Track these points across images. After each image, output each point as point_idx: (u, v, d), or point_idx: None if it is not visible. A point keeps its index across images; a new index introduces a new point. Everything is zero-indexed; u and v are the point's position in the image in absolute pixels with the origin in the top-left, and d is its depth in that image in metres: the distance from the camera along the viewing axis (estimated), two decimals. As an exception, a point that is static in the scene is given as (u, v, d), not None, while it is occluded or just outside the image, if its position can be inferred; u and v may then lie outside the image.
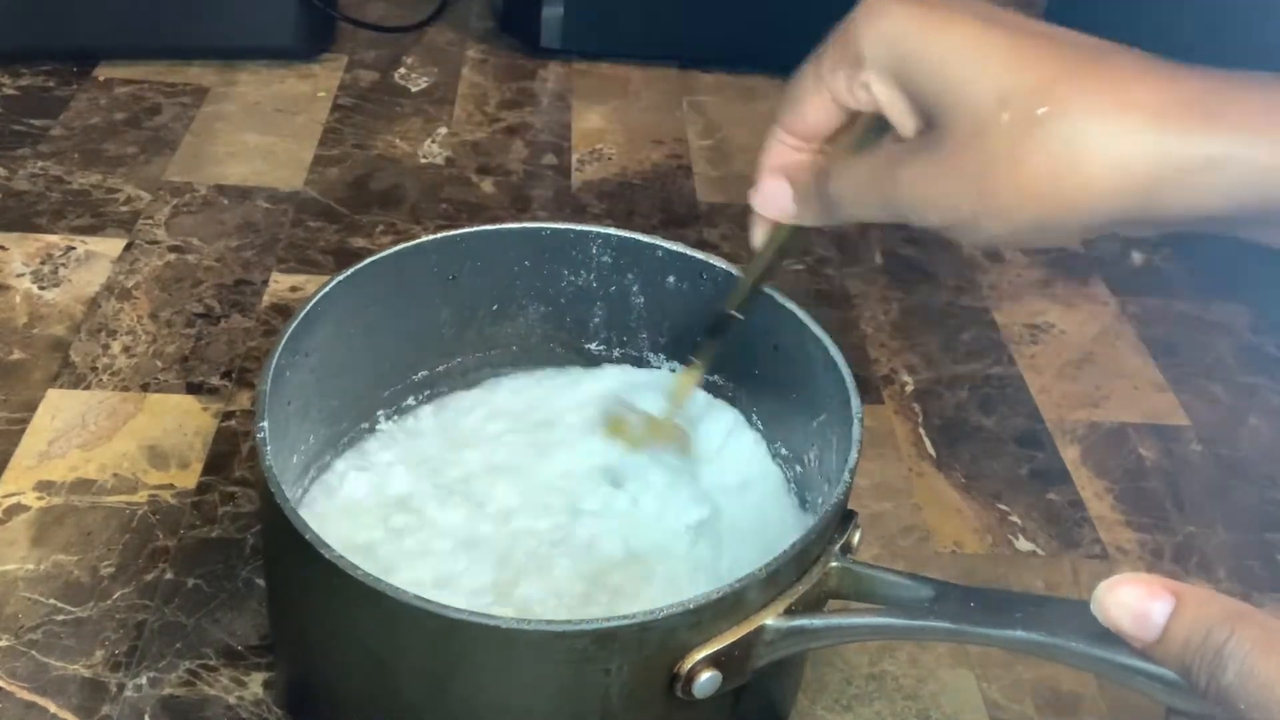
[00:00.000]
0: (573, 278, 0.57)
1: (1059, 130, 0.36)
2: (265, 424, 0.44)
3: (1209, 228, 0.38)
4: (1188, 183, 0.36)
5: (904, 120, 0.41)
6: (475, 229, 0.55)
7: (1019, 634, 0.38)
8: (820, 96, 0.43)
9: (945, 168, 0.39)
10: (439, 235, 0.54)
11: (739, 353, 0.55)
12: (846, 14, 0.42)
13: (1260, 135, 0.36)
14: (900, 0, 0.40)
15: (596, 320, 0.59)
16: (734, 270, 0.54)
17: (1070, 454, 0.69)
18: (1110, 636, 0.34)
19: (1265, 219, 0.37)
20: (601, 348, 0.59)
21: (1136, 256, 0.87)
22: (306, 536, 0.40)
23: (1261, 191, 0.36)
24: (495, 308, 0.58)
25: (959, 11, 0.39)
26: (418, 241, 0.54)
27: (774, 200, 0.46)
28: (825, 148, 0.45)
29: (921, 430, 0.70)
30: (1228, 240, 0.93)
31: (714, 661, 0.41)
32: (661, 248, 0.55)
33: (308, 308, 0.49)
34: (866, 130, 0.44)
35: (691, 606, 0.39)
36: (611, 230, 0.56)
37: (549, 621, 0.39)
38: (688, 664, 0.40)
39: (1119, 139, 0.36)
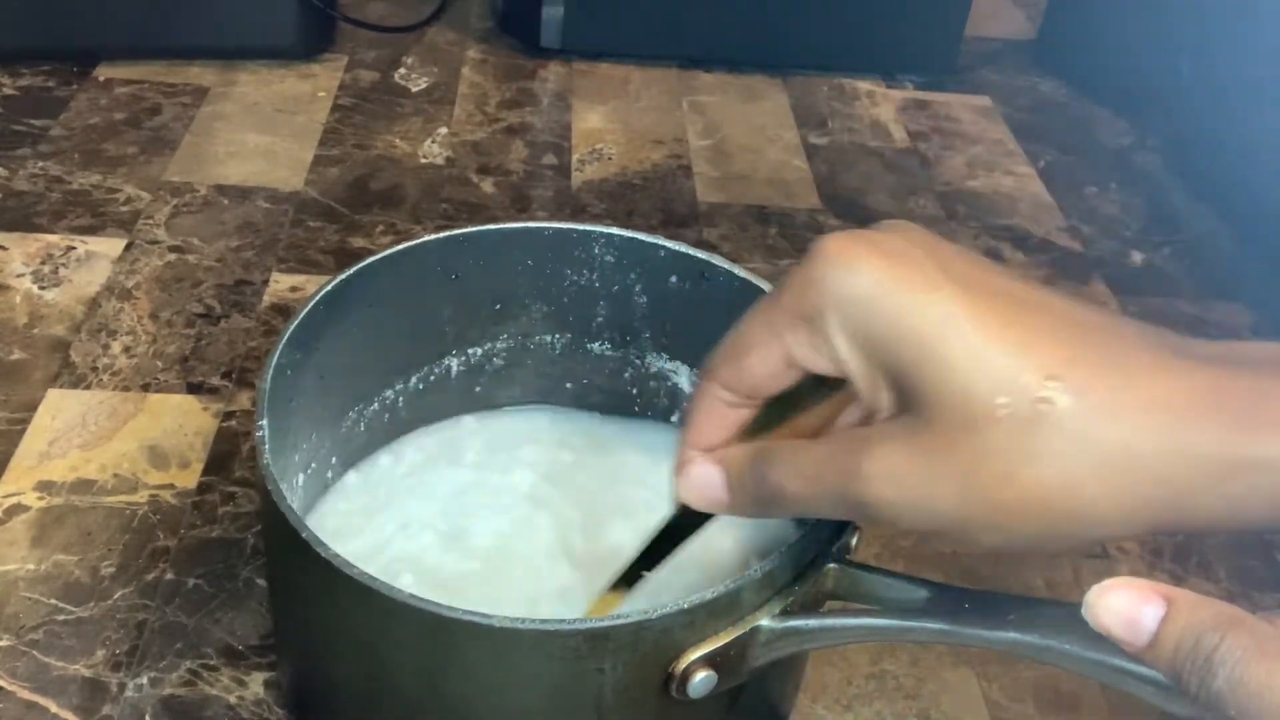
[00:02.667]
0: (575, 277, 0.57)
1: (1067, 428, 0.31)
2: (265, 422, 0.44)
3: (1260, 531, 0.34)
4: (1226, 491, 0.31)
5: (875, 396, 0.35)
6: (478, 228, 0.55)
7: (1012, 635, 0.38)
8: (770, 352, 0.36)
9: (927, 462, 0.33)
10: (441, 235, 0.54)
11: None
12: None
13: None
14: (867, 251, 0.34)
15: (599, 320, 0.59)
16: (735, 270, 0.53)
17: (1070, 454, 0.69)
18: (1103, 639, 0.34)
19: None
20: (605, 347, 0.59)
21: (1136, 256, 0.87)
22: (303, 535, 0.40)
23: None
24: (498, 307, 0.58)
25: (937, 271, 0.33)
26: (420, 240, 0.54)
27: (702, 489, 0.39)
28: (762, 437, 0.38)
29: (921, 430, 0.70)
30: (1228, 240, 0.93)
31: (709, 662, 0.41)
32: (664, 247, 0.55)
33: (309, 306, 0.49)
34: (818, 405, 0.38)
35: (686, 606, 0.39)
36: (614, 230, 0.56)
37: (542, 620, 0.39)
38: (682, 664, 0.40)
39: (1139, 439, 0.31)
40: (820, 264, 0.34)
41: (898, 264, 0.34)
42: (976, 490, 0.32)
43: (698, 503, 0.40)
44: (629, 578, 0.43)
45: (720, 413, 0.39)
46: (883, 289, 0.33)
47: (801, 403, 0.38)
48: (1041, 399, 0.31)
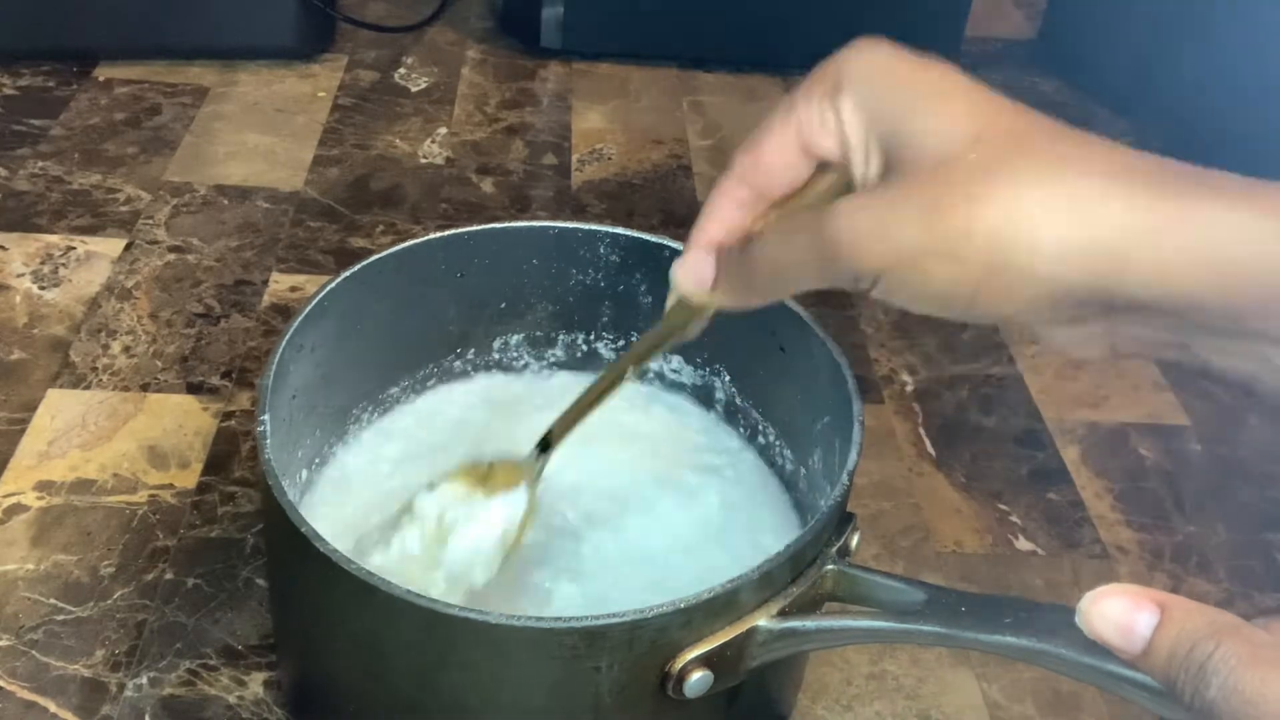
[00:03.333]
0: (580, 276, 0.57)
1: (1025, 175, 0.33)
2: (266, 417, 0.44)
3: (1181, 311, 0.33)
4: (1159, 244, 0.32)
5: (863, 163, 0.37)
6: (484, 227, 0.55)
7: (1008, 639, 0.38)
8: (785, 134, 0.38)
9: (891, 200, 0.35)
10: (447, 233, 0.54)
11: (748, 357, 0.55)
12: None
13: (1245, 205, 0.32)
14: (890, 45, 0.38)
15: (604, 319, 0.59)
16: None
17: (1070, 454, 0.69)
18: (1098, 644, 0.34)
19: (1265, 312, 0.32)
20: (609, 348, 0.60)
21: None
22: (303, 530, 0.40)
23: (1253, 269, 0.32)
24: (503, 306, 0.58)
25: (946, 66, 0.37)
26: (426, 239, 0.54)
27: (693, 271, 0.41)
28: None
29: (921, 430, 0.70)
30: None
31: (705, 661, 0.41)
32: (669, 247, 0.55)
33: (313, 303, 0.49)
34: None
35: (682, 606, 0.39)
36: (619, 230, 0.56)
37: (538, 618, 0.39)
38: (679, 663, 0.40)
39: (1089, 195, 0.33)
40: (845, 50, 0.38)
41: (910, 53, 0.37)
42: (937, 217, 0.34)
43: (691, 288, 0.41)
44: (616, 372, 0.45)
45: (728, 211, 0.40)
46: (895, 64, 0.37)
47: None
48: (1008, 151, 0.34)
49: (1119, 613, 0.33)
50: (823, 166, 0.39)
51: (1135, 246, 0.32)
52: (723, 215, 0.40)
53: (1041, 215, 0.33)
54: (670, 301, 0.42)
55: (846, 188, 0.38)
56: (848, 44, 0.39)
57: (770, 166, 0.39)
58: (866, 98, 0.37)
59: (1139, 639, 0.33)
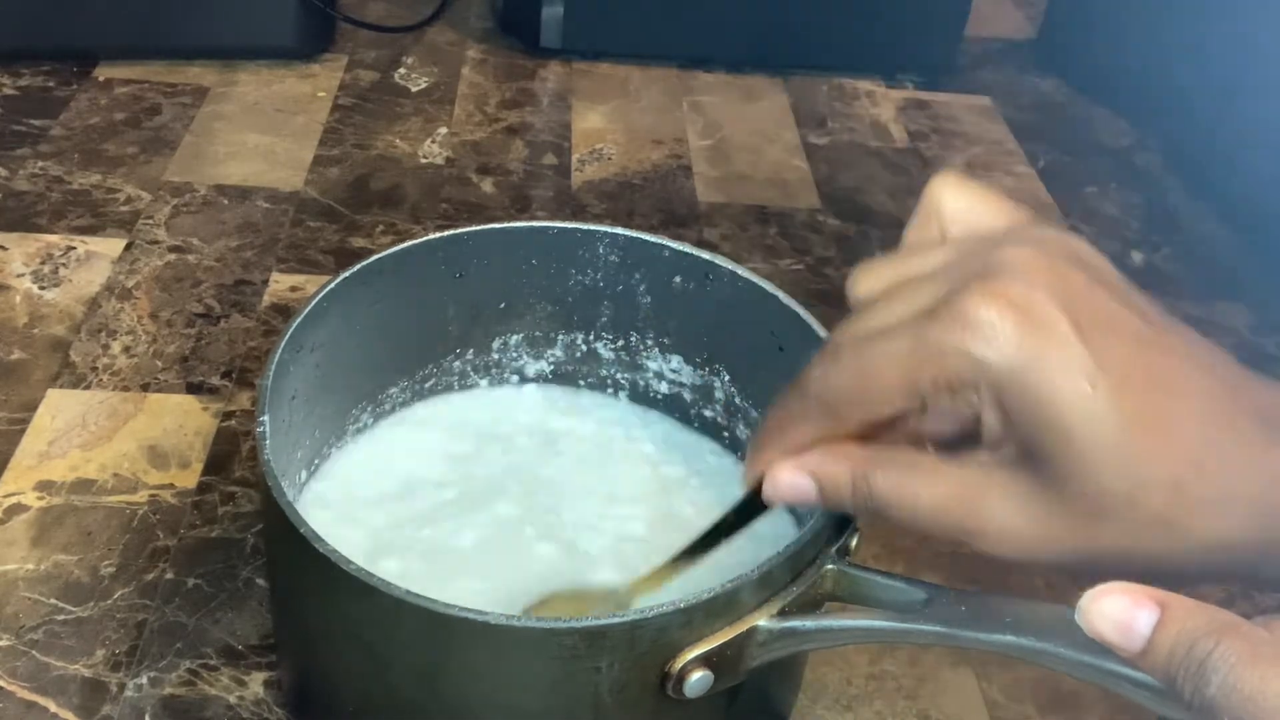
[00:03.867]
0: (580, 277, 0.57)
1: (1175, 530, 0.35)
2: (266, 418, 0.44)
3: None
4: None
5: (998, 444, 0.37)
6: (483, 227, 0.55)
7: (1008, 638, 0.38)
8: (907, 402, 0.37)
9: (1048, 537, 0.36)
10: (447, 233, 0.54)
11: (748, 357, 0.55)
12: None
13: None
14: (1018, 327, 0.35)
15: (604, 319, 0.59)
16: (739, 271, 0.54)
17: (1070, 454, 0.69)
18: (1099, 643, 0.34)
19: None
20: (609, 348, 0.60)
21: (1136, 256, 0.87)
22: (302, 530, 0.40)
23: None
24: (502, 306, 0.58)
25: (1090, 360, 0.35)
26: (426, 239, 0.54)
27: (791, 493, 0.40)
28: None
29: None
30: (1228, 240, 0.93)
31: (705, 661, 0.41)
32: (669, 247, 0.55)
33: (312, 303, 0.49)
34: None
35: (682, 606, 0.39)
36: (619, 229, 0.56)
37: (538, 619, 0.39)
38: (679, 663, 0.40)
39: (1235, 537, 0.35)
40: (969, 336, 0.35)
41: (1050, 345, 0.35)
42: (1091, 558, 0.36)
43: (785, 502, 0.41)
44: (689, 554, 0.45)
45: (815, 434, 0.39)
46: (1035, 375, 0.35)
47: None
48: (1164, 507, 0.35)
49: (1119, 611, 0.33)
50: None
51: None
52: (807, 437, 0.40)
53: (1187, 564, 0.35)
54: (746, 494, 0.43)
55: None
56: (954, 309, 0.35)
57: (882, 419, 0.38)
58: (1005, 408, 0.36)
59: (1139, 637, 0.33)
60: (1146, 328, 0.37)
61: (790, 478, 0.40)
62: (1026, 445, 0.36)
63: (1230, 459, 0.36)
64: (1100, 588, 0.34)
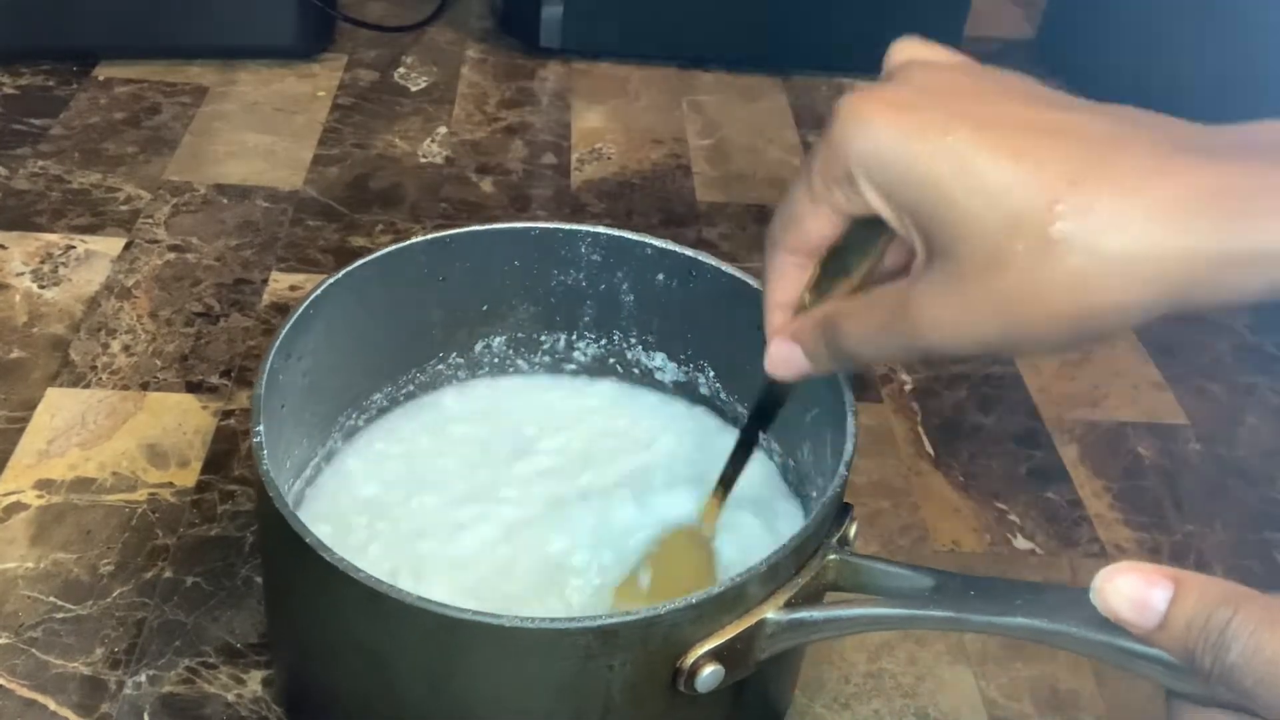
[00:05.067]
0: (562, 277, 0.57)
1: (1078, 247, 0.34)
2: (261, 427, 0.44)
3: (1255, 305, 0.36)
4: (1223, 280, 0.34)
5: (910, 236, 0.38)
6: (464, 229, 0.55)
7: (1019, 620, 0.38)
8: (819, 211, 0.40)
9: (965, 302, 0.36)
10: (428, 236, 0.54)
11: (732, 351, 0.55)
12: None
13: None
14: (881, 108, 0.37)
15: (586, 319, 0.59)
16: (723, 268, 0.54)
17: (1069, 453, 0.69)
18: (1111, 622, 0.34)
19: None
20: (591, 347, 0.60)
21: (1135, 256, 0.87)
22: (307, 540, 0.40)
23: None
24: (485, 308, 0.58)
25: (948, 115, 0.36)
26: (407, 243, 0.54)
27: (786, 363, 0.43)
28: (816, 299, 0.42)
29: (920, 429, 0.70)
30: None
31: (716, 655, 0.41)
32: (650, 245, 0.55)
33: (299, 311, 0.49)
34: (868, 250, 0.41)
35: (694, 601, 0.39)
36: (600, 228, 0.56)
37: (552, 620, 0.39)
38: (690, 658, 0.41)
39: (1143, 245, 0.33)
40: (837, 127, 0.38)
41: (905, 114, 0.36)
42: (1012, 316, 0.35)
43: (785, 374, 0.44)
44: (744, 444, 0.49)
45: (790, 273, 0.42)
46: (894, 143, 0.36)
47: (853, 249, 0.41)
48: (1053, 230, 0.34)
49: (1133, 588, 0.33)
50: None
51: (1203, 283, 0.34)
52: (786, 285, 0.43)
53: (1106, 290, 0.34)
54: (765, 380, 0.45)
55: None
56: (835, 112, 0.38)
57: (814, 235, 0.41)
58: (885, 188, 0.37)
59: (1154, 613, 0.33)
60: (1030, 96, 0.38)
61: (781, 351, 0.43)
62: (920, 226, 0.37)
63: (1121, 166, 0.34)
64: (1113, 567, 0.34)
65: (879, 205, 0.38)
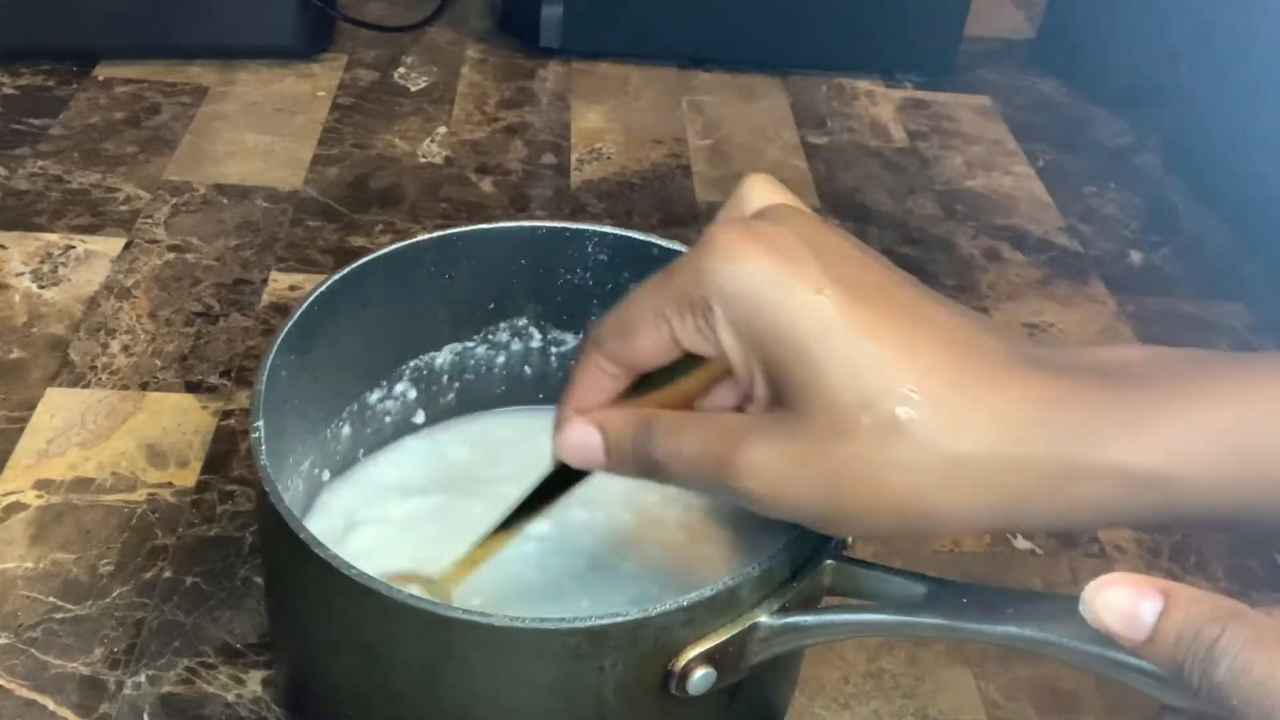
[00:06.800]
0: (569, 276, 0.57)
1: (919, 439, 0.34)
2: (260, 424, 0.44)
3: (1081, 532, 0.37)
4: (1055, 498, 0.34)
5: (752, 383, 0.37)
6: (471, 228, 0.55)
7: (1011, 630, 0.38)
8: (657, 333, 0.38)
9: (797, 461, 0.35)
10: (435, 234, 0.54)
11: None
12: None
13: (1133, 441, 0.34)
14: (755, 247, 0.36)
15: (593, 318, 0.59)
16: None
17: (1068, 453, 0.69)
18: (1102, 633, 0.34)
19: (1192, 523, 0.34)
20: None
21: (1135, 256, 0.87)
22: (301, 536, 0.40)
23: (1137, 504, 0.34)
24: (492, 306, 0.58)
25: (822, 273, 0.35)
26: (414, 240, 0.54)
27: (581, 450, 0.40)
28: (640, 400, 0.40)
29: (920, 429, 0.70)
30: (1227, 240, 0.93)
31: (708, 659, 0.41)
32: (657, 245, 0.55)
33: (303, 307, 0.49)
34: (694, 373, 0.39)
35: (685, 604, 0.39)
36: (607, 228, 0.56)
37: (542, 619, 0.39)
38: (682, 661, 0.40)
39: (980, 449, 0.34)
40: (708, 255, 0.36)
41: (782, 261, 0.35)
42: (838, 491, 0.35)
43: (576, 461, 0.41)
44: (509, 523, 0.45)
45: (601, 381, 0.40)
46: (765, 287, 0.35)
47: (678, 371, 0.39)
48: (899, 412, 0.34)
49: (1123, 601, 0.33)
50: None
51: (1034, 499, 0.34)
52: (595, 384, 0.40)
53: (936, 489, 0.34)
54: (553, 464, 0.42)
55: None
56: (706, 239, 0.37)
57: (641, 355, 0.39)
58: (744, 330, 0.36)
59: (1144, 626, 0.33)
60: (892, 274, 0.37)
61: (579, 434, 0.40)
62: (770, 375, 0.36)
63: (977, 372, 0.35)
64: (1104, 578, 0.34)
65: (729, 345, 0.36)
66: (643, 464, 0.39)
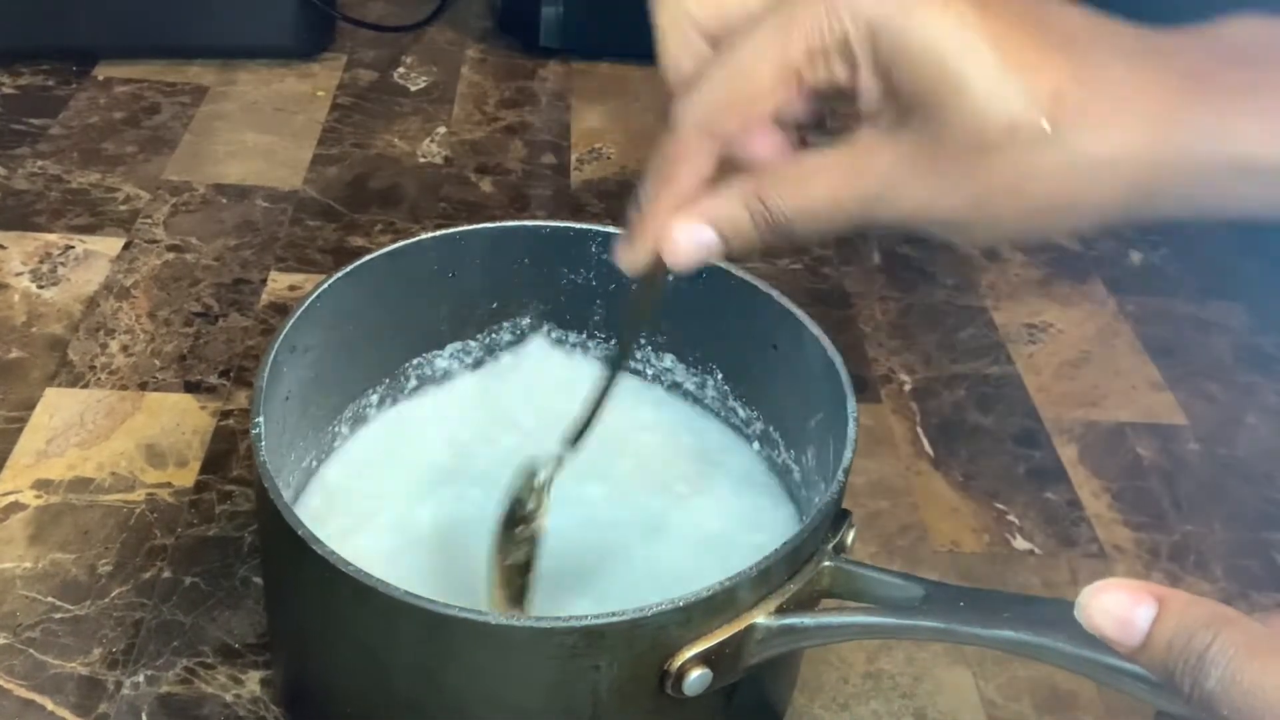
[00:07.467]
0: (572, 276, 0.57)
1: (1067, 145, 0.34)
2: (261, 419, 0.44)
3: (1218, 219, 0.37)
4: (1189, 191, 0.35)
5: (877, 109, 0.36)
6: (475, 227, 0.55)
7: (1007, 634, 0.38)
8: (787, 88, 0.36)
9: (941, 176, 0.35)
10: (439, 233, 0.54)
11: (740, 355, 0.55)
12: None
13: (1263, 130, 0.34)
14: None
15: (596, 318, 0.59)
16: (732, 270, 0.54)
17: (1068, 453, 0.69)
18: (1097, 638, 0.34)
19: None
20: (601, 347, 0.60)
21: (1135, 256, 0.87)
22: (300, 533, 0.40)
23: (1268, 193, 0.35)
24: (495, 305, 0.58)
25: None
26: (417, 239, 0.54)
27: (695, 250, 0.38)
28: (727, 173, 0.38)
29: (919, 429, 0.70)
30: (1227, 240, 0.93)
31: (704, 659, 0.41)
32: None
33: (306, 304, 0.49)
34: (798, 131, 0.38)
35: (681, 604, 0.39)
36: (610, 229, 0.56)
37: (538, 618, 0.39)
38: (678, 661, 0.41)
39: (1128, 149, 0.35)
40: None
41: None
42: (985, 201, 0.36)
43: (691, 264, 0.38)
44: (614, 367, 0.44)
45: (702, 162, 0.38)
46: (898, 10, 0.35)
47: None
48: (1048, 121, 0.34)
49: (1118, 606, 0.33)
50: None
51: (1174, 187, 0.35)
52: (693, 172, 0.38)
53: (1084, 189, 0.35)
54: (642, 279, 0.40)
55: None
56: None
57: (759, 119, 0.37)
58: (881, 58, 0.35)
59: (1138, 632, 0.33)
60: None
61: (689, 234, 0.38)
62: (905, 96, 0.35)
63: (1111, 72, 0.35)
64: (1099, 584, 0.34)
65: (865, 77, 0.36)
66: (772, 233, 0.37)
